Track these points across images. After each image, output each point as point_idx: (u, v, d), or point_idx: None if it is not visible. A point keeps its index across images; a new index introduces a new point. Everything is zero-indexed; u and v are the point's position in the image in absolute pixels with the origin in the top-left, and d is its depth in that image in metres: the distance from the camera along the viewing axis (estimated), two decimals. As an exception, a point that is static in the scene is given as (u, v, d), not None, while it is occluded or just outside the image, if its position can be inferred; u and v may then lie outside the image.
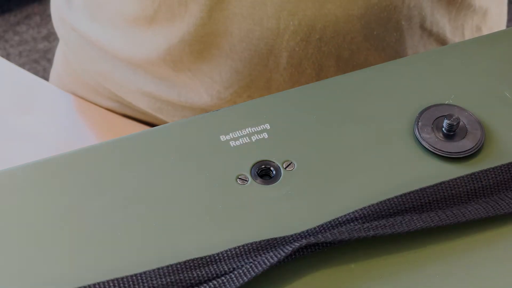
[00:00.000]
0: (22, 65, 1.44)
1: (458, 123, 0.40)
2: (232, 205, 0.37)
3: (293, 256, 0.34)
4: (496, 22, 0.64)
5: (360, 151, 0.40)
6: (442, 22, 0.58)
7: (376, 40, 0.56)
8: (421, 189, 0.37)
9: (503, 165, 0.38)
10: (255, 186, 0.38)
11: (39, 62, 1.52)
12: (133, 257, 0.35)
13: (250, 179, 0.38)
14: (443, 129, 0.40)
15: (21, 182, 0.39)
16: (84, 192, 0.38)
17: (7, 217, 0.37)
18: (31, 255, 0.35)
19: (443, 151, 0.39)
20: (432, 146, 0.40)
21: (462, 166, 0.39)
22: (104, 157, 0.40)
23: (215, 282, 0.33)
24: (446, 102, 0.42)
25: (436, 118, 0.41)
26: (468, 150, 0.39)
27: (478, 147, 0.40)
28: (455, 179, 0.37)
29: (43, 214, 0.37)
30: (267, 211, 0.37)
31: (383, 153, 0.40)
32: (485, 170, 0.38)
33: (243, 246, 0.34)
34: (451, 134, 0.40)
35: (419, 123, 0.41)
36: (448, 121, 0.40)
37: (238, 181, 0.38)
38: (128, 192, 0.38)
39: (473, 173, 0.37)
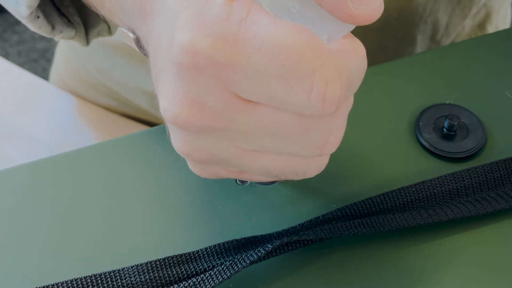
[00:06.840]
0: (21, 65, 1.44)
1: (459, 122, 0.40)
2: (232, 205, 0.37)
3: (274, 254, 0.34)
4: (502, 24, 0.64)
5: (361, 152, 0.40)
6: (453, 31, 0.59)
7: (389, 52, 0.57)
8: (402, 188, 0.37)
9: (485, 164, 0.38)
10: (254, 186, 0.38)
11: (38, 62, 1.52)
12: (131, 254, 0.35)
13: (250, 179, 0.38)
14: (444, 129, 0.40)
15: (21, 182, 0.39)
16: (83, 191, 0.38)
17: (7, 217, 0.37)
18: (30, 253, 0.35)
19: (443, 151, 0.39)
20: (433, 146, 0.39)
21: (463, 167, 0.39)
22: (103, 157, 0.40)
23: (194, 280, 0.32)
24: (447, 102, 0.42)
25: (436, 118, 0.41)
26: (469, 150, 0.39)
27: (479, 147, 0.39)
28: (437, 178, 0.37)
29: (42, 213, 0.37)
30: (266, 211, 0.37)
31: (384, 154, 0.40)
32: (467, 170, 0.37)
33: (223, 243, 0.34)
34: (452, 134, 0.40)
35: (420, 123, 0.41)
36: (449, 121, 0.39)
37: (238, 182, 0.38)
38: (127, 191, 0.38)
39: (455, 173, 0.37)
